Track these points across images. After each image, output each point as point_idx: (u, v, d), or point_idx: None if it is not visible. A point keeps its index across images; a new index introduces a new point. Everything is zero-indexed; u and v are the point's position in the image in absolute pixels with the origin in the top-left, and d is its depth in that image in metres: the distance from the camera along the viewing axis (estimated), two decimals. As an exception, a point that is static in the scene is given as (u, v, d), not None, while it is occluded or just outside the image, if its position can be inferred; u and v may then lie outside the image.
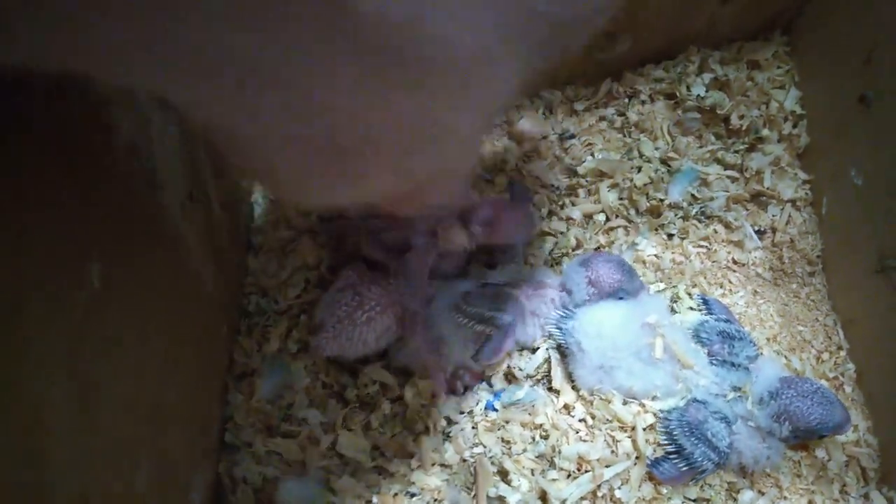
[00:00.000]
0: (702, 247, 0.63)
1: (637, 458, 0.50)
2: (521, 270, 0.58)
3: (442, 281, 0.56)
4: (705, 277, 0.61)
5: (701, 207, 0.63)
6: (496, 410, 0.53)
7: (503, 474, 0.50)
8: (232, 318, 0.57)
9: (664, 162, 0.65)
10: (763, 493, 0.52)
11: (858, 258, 0.57)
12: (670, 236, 0.63)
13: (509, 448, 0.52)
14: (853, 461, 0.54)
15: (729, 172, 0.65)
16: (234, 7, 0.20)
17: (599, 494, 0.49)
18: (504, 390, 0.55)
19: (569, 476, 0.50)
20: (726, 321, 0.56)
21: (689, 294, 0.59)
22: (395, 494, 0.50)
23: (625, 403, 0.52)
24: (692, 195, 0.64)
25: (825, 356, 0.59)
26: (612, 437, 0.51)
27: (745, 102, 0.65)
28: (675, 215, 0.63)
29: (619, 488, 0.49)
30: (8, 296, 0.27)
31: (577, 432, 0.52)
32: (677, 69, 0.67)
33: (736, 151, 0.65)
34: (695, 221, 0.63)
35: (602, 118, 0.68)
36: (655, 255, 0.62)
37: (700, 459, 0.49)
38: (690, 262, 0.62)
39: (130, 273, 0.38)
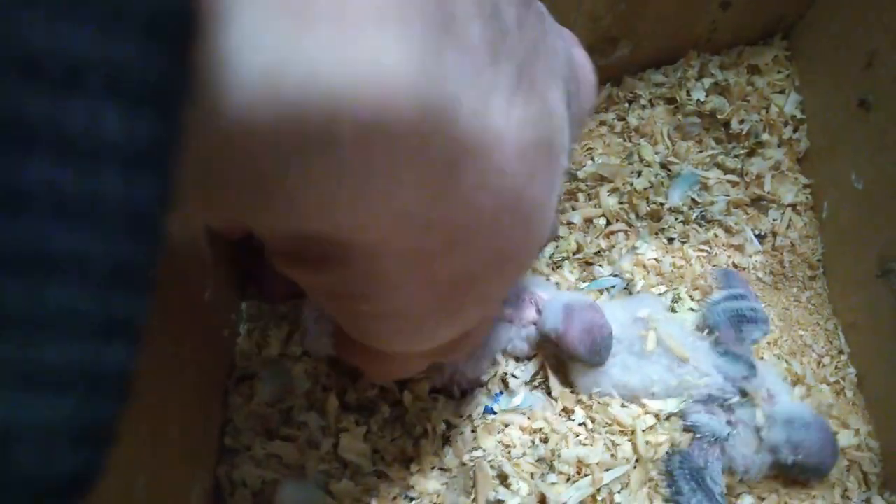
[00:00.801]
0: (702, 251, 0.63)
1: (637, 461, 0.50)
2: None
3: None
4: (706, 281, 0.61)
5: (701, 211, 0.64)
6: (495, 413, 0.53)
7: (502, 478, 0.50)
8: (232, 321, 0.57)
9: (664, 166, 0.65)
10: (763, 499, 0.51)
11: (859, 262, 0.57)
12: (671, 240, 0.63)
13: (508, 452, 0.52)
14: (854, 466, 0.54)
15: (729, 177, 0.65)
16: None
17: (599, 498, 0.49)
18: (502, 393, 0.54)
19: (568, 480, 0.50)
20: (741, 297, 0.54)
21: (691, 296, 0.59)
22: (395, 498, 0.50)
23: (623, 406, 0.52)
24: (692, 199, 0.64)
25: (826, 360, 0.59)
26: (612, 441, 0.51)
27: (746, 107, 0.65)
28: (676, 219, 0.63)
29: (619, 492, 0.49)
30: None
31: (577, 436, 0.52)
32: (677, 74, 0.67)
33: (736, 156, 0.65)
34: (695, 225, 0.63)
35: (602, 123, 0.68)
36: (656, 259, 0.62)
37: None
38: (691, 266, 0.62)
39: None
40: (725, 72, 0.67)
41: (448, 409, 0.54)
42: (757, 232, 0.64)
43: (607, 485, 0.49)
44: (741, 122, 0.64)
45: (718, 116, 0.65)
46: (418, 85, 0.18)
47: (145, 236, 0.15)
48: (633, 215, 0.64)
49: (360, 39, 0.17)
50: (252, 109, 0.17)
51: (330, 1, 0.17)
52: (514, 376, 0.55)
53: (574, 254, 0.62)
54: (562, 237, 0.62)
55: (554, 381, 0.54)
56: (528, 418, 0.53)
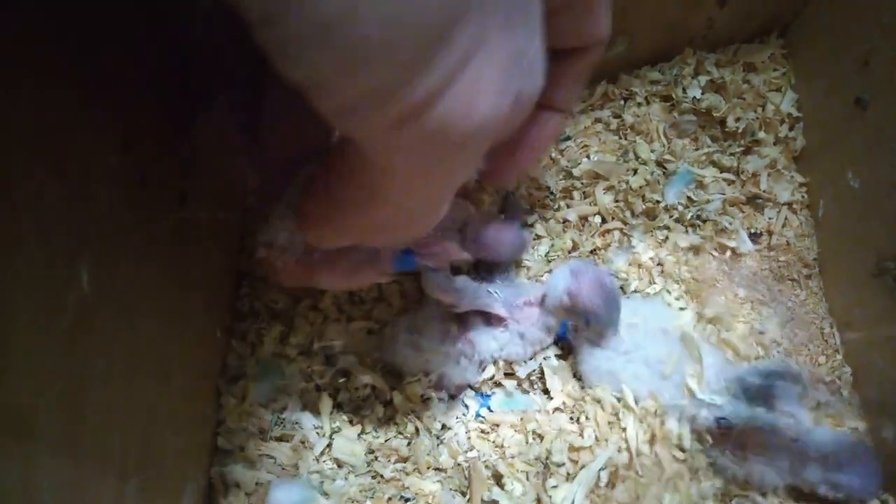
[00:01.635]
0: (698, 249, 0.63)
1: (630, 457, 0.50)
2: (512, 283, 0.58)
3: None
4: (700, 280, 0.61)
5: (697, 210, 0.63)
6: (492, 411, 0.53)
7: (497, 478, 0.50)
8: (225, 320, 0.57)
9: (660, 164, 0.65)
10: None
11: (855, 261, 0.57)
12: (666, 239, 0.63)
13: (503, 452, 0.52)
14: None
15: (725, 175, 0.64)
16: None
17: (594, 495, 0.49)
18: (493, 394, 0.54)
19: (563, 478, 0.50)
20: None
21: (685, 295, 0.59)
22: (390, 499, 0.50)
23: (619, 400, 0.52)
24: (688, 197, 0.64)
25: (821, 359, 0.58)
26: (606, 440, 0.51)
27: (742, 105, 0.65)
28: (671, 217, 0.63)
29: (614, 489, 0.49)
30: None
31: (570, 434, 0.52)
32: (673, 71, 0.67)
33: (732, 154, 0.65)
34: (690, 224, 0.63)
35: (598, 120, 0.67)
36: (650, 258, 0.62)
37: None
38: (686, 265, 0.62)
39: (121, 276, 0.37)
40: (721, 69, 0.66)
41: (440, 409, 0.54)
42: (753, 231, 0.63)
43: (602, 482, 0.49)
44: (737, 120, 0.64)
45: (714, 114, 0.64)
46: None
47: None
48: (628, 213, 0.63)
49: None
50: None
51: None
52: (507, 376, 0.55)
53: (569, 252, 0.62)
54: (557, 235, 0.62)
55: (548, 381, 0.54)
56: (521, 419, 0.53)
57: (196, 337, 0.51)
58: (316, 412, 0.54)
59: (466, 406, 0.54)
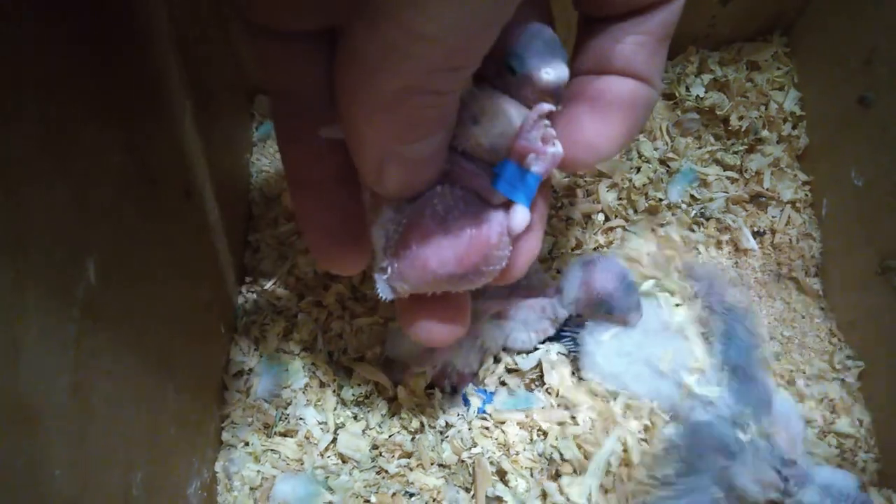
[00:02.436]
0: (701, 247, 0.63)
1: (626, 453, 0.50)
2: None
3: None
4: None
5: (700, 208, 0.63)
6: (496, 409, 0.53)
7: (501, 474, 0.50)
8: (229, 316, 0.57)
9: (663, 162, 0.65)
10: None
11: (858, 260, 0.57)
12: (669, 237, 0.63)
13: (507, 448, 0.52)
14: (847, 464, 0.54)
15: (728, 173, 0.65)
16: None
17: (598, 492, 0.49)
18: (497, 391, 0.55)
19: (567, 474, 0.50)
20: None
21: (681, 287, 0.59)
22: (394, 494, 0.50)
23: (620, 398, 0.52)
24: (691, 196, 0.64)
25: (824, 358, 0.58)
26: (608, 432, 0.51)
27: (745, 103, 0.65)
28: (674, 216, 0.63)
29: (618, 485, 0.49)
30: (3, 294, 0.27)
31: (575, 431, 0.52)
32: (676, 70, 0.67)
33: (735, 152, 0.65)
34: (694, 222, 0.63)
35: (601, 118, 0.67)
36: (653, 255, 0.62)
37: None
38: (689, 263, 0.62)
39: (128, 270, 0.38)
40: (725, 68, 0.66)
41: (443, 405, 0.54)
42: (756, 229, 0.64)
43: (606, 478, 0.49)
44: (740, 118, 0.64)
45: (717, 113, 0.65)
46: None
47: None
48: (631, 211, 0.64)
49: None
50: None
51: None
52: (510, 373, 0.55)
53: (573, 249, 0.62)
54: (561, 233, 0.62)
55: (550, 378, 0.54)
56: (526, 415, 0.53)
57: (201, 331, 0.51)
58: (320, 408, 0.54)
59: (469, 403, 0.54)
